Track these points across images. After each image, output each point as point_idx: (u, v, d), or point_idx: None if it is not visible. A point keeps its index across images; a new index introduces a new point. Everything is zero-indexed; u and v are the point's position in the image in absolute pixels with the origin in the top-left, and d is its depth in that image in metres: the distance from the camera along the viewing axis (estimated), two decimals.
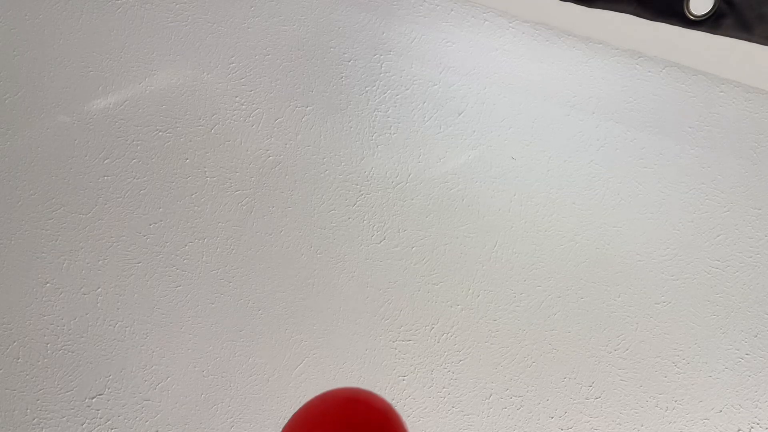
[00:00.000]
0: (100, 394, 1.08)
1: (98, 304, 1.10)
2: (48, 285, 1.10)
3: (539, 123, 1.22)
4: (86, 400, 1.08)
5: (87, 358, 1.09)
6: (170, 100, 1.16)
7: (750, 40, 0.92)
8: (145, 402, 1.09)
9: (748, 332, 1.19)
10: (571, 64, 1.23)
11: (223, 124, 1.17)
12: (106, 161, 1.14)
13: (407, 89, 1.21)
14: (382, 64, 1.21)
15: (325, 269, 1.15)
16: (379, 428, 0.54)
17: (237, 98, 1.18)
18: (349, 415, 0.56)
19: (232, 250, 1.14)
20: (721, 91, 1.24)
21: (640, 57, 1.24)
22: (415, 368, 1.14)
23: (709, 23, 0.90)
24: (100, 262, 1.11)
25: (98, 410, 1.08)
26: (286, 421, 0.54)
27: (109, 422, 1.08)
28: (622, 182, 1.21)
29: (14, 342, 1.08)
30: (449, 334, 1.15)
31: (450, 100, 1.22)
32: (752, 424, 1.17)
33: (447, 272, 1.17)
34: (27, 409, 1.07)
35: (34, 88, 1.14)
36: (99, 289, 1.11)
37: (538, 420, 1.15)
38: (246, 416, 1.11)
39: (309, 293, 1.14)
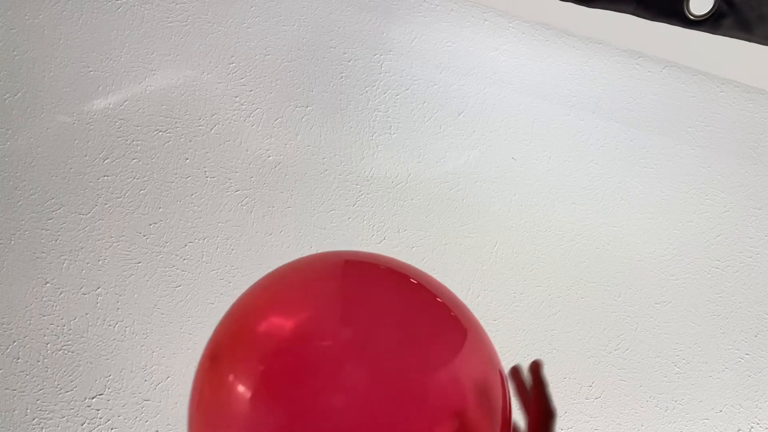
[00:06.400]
0: (100, 394, 1.08)
1: (98, 304, 1.10)
2: (48, 285, 1.10)
3: (539, 123, 1.22)
4: (86, 400, 1.08)
5: (87, 358, 1.09)
6: (170, 100, 1.16)
7: (750, 40, 0.92)
8: (145, 402, 1.09)
9: (748, 332, 1.19)
10: (571, 64, 1.23)
11: (223, 124, 1.17)
12: (106, 161, 1.14)
13: (407, 89, 1.21)
14: (382, 64, 1.21)
15: None
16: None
17: (237, 98, 1.18)
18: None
19: (232, 250, 1.14)
20: (721, 91, 1.24)
21: (640, 57, 1.24)
22: None
23: (709, 23, 0.90)
24: (100, 262, 1.11)
25: (98, 410, 1.08)
26: None
27: (109, 422, 1.08)
28: (622, 182, 1.21)
29: (14, 342, 1.08)
30: None
31: (450, 100, 1.22)
32: (752, 424, 1.17)
33: (447, 272, 1.17)
34: (27, 409, 1.07)
35: (34, 88, 1.14)
36: (99, 289, 1.10)
37: None
38: None
39: None
